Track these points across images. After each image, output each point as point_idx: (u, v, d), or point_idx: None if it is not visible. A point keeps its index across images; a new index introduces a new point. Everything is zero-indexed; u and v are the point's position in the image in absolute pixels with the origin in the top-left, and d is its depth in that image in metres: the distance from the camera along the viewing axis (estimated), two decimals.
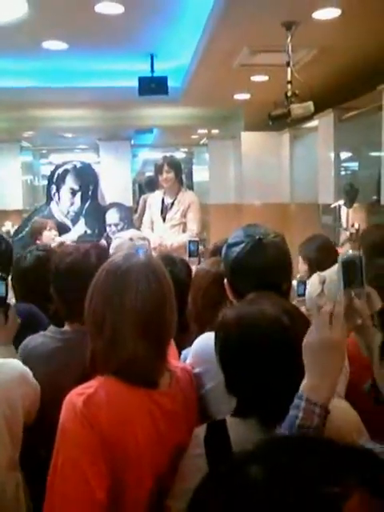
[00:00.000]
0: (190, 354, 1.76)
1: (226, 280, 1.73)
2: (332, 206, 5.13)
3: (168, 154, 5.41)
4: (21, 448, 1.61)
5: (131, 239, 2.84)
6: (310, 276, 2.96)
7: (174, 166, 5.07)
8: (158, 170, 5.07)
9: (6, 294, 1.89)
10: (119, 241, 2.86)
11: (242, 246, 1.63)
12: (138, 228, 5.59)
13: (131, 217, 6.56)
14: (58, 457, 1.24)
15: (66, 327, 1.88)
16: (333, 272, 2.52)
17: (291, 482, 0.63)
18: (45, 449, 1.65)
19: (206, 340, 1.73)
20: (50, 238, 4.74)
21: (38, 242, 4.61)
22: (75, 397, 1.29)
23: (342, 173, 5.24)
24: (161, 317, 1.38)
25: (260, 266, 1.59)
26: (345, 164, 5.34)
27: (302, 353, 1.17)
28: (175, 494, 1.29)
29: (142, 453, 1.29)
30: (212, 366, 1.60)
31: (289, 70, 3.72)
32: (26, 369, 1.65)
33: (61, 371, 1.72)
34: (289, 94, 3.64)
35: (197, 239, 3.25)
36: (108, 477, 1.24)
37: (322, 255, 3.05)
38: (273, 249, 1.63)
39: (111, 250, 2.76)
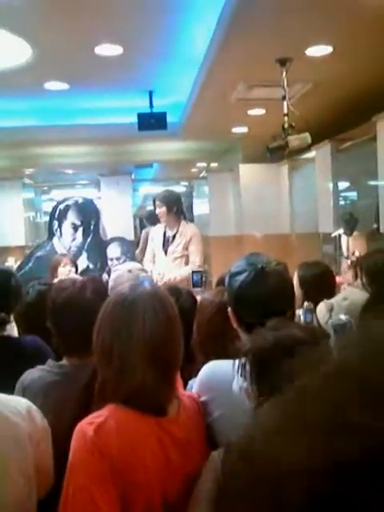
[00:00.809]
0: (196, 382, 1.77)
1: (229, 309, 1.75)
2: (332, 235, 5.17)
3: (166, 189, 5.51)
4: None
5: (130, 271, 2.86)
6: (303, 302, 2.97)
7: (165, 200, 5.13)
8: (153, 204, 5.25)
9: None
10: (118, 273, 2.88)
11: (245, 274, 1.66)
12: (140, 261, 5.62)
13: (133, 251, 6.61)
14: (69, 485, 1.25)
15: (64, 361, 1.89)
16: (340, 299, 2.55)
17: None
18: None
19: (212, 368, 1.74)
20: (65, 274, 4.66)
21: (55, 278, 4.59)
22: (86, 426, 1.30)
23: (341, 202, 5.30)
24: (168, 346, 1.40)
25: (263, 294, 1.61)
26: (343, 193, 5.42)
27: None
28: None
29: (152, 480, 1.30)
30: (219, 393, 1.62)
31: (285, 103, 3.82)
32: (34, 407, 1.64)
33: (58, 405, 1.72)
34: (286, 126, 3.73)
35: (201, 269, 3.27)
36: (118, 504, 1.24)
37: (318, 282, 3.05)
38: (275, 277, 1.65)
39: (110, 283, 2.78)
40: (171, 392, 1.44)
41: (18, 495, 1.44)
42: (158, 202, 5.11)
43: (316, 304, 2.76)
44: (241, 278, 1.67)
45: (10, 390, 1.72)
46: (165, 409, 1.40)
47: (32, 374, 1.85)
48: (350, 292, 2.62)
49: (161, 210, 5.09)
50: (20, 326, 2.56)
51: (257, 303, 1.61)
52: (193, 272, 3.14)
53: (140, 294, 1.42)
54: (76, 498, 1.23)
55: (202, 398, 1.67)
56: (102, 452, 1.25)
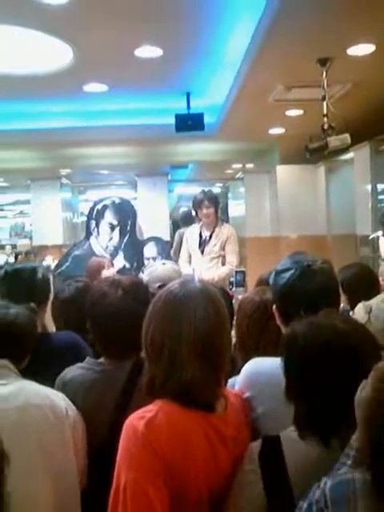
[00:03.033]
0: (239, 378, 1.78)
1: (274, 306, 1.76)
2: (370, 237, 5.11)
3: (206, 189, 5.47)
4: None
5: (164, 263, 2.88)
6: (349, 304, 2.95)
7: (214, 200, 5.14)
8: (198, 204, 5.11)
9: None
10: (152, 267, 2.89)
11: (292, 272, 1.66)
12: (175, 262, 5.65)
13: (168, 250, 6.65)
14: (120, 479, 1.26)
15: (103, 359, 1.90)
16: (379, 300, 2.53)
17: None
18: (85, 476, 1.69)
19: (255, 364, 1.75)
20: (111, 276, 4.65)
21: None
22: (136, 421, 1.31)
23: (380, 204, 5.24)
24: (218, 342, 1.41)
25: (310, 291, 1.61)
26: (382, 195, 5.35)
27: (366, 374, 1.16)
28: (229, 508, 1.30)
29: (200, 475, 1.31)
30: (262, 390, 1.62)
31: (324, 103, 3.79)
32: (71, 404, 1.67)
33: (98, 401, 1.75)
34: (325, 126, 3.71)
35: (243, 269, 3.27)
36: (169, 499, 1.26)
37: (359, 282, 3.02)
38: (321, 274, 1.65)
39: (144, 277, 2.79)
40: (219, 388, 1.44)
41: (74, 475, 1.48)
42: (207, 203, 5.06)
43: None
44: (287, 275, 1.67)
45: (43, 385, 1.74)
46: (213, 405, 1.41)
47: (72, 372, 1.86)
48: None
49: (209, 211, 5.06)
50: (57, 323, 2.60)
51: (303, 299, 1.61)
52: (236, 272, 3.14)
53: (190, 291, 1.43)
54: (129, 492, 1.24)
55: (246, 395, 1.68)
56: (154, 446, 1.27)
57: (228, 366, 1.50)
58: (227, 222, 7.72)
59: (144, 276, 2.77)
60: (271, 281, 1.77)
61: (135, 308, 1.79)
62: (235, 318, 2.16)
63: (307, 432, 1.31)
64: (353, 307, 2.78)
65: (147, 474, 1.25)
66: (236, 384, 1.80)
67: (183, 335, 1.36)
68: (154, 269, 2.80)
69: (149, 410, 1.33)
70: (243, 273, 3.14)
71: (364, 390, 1.10)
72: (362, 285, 2.99)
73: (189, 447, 1.31)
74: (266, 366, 1.68)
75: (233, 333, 2.70)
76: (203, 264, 5.10)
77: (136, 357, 1.78)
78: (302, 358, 1.33)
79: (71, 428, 1.63)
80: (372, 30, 3.27)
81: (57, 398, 1.66)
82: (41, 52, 3.98)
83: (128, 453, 1.29)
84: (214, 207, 5.09)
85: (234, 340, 2.97)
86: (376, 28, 3.25)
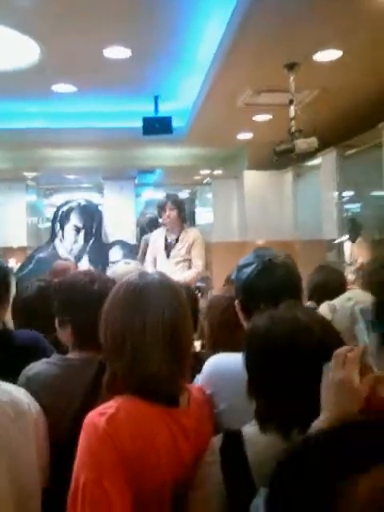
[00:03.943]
0: (201, 375, 1.76)
1: (236, 301, 1.75)
2: (336, 241, 5.18)
3: (171, 193, 5.48)
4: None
5: (127, 263, 2.87)
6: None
7: (178, 203, 5.13)
8: (162, 207, 5.11)
9: None
10: (115, 266, 2.88)
11: (253, 266, 1.66)
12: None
13: (134, 254, 6.61)
14: (79, 479, 1.22)
15: (70, 355, 1.86)
16: (344, 299, 2.55)
17: None
18: (48, 476, 1.63)
19: (216, 361, 1.73)
20: None
21: None
22: (96, 417, 1.27)
23: (346, 207, 5.32)
24: (183, 333, 1.38)
25: (271, 285, 1.61)
26: (348, 199, 5.43)
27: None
28: (190, 500, 1.28)
29: (163, 470, 1.28)
30: (223, 386, 1.61)
31: (292, 107, 3.83)
32: (39, 408, 1.60)
33: (63, 397, 1.69)
34: (293, 130, 3.74)
35: (207, 275, 3.25)
36: (130, 496, 1.22)
37: (329, 285, 3.05)
38: (283, 269, 1.65)
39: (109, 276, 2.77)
40: (183, 382, 1.42)
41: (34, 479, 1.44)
42: (170, 205, 5.05)
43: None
44: (249, 269, 1.67)
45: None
46: (177, 399, 1.38)
47: (37, 367, 1.81)
48: (354, 293, 2.61)
49: (172, 213, 5.05)
50: (17, 322, 2.55)
51: (265, 294, 1.60)
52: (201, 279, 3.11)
53: (151, 282, 1.40)
54: (87, 492, 1.20)
55: (208, 391, 1.67)
56: (115, 443, 1.23)
57: (191, 358, 1.48)
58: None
59: (107, 274, 2.75)
60: (234, 276, 1.77)
61: (103, 295, 1.76)
62: (206, 316, 2.16)
63: (268, 425, 1.29)
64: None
65: (107, 473, 1.21)
66: (199, 381, 1.78)
67: (148, 327, 1.32)
68: (117, 267, 2.78)
69: (109, 406, 1.29)
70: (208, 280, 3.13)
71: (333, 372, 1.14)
72: (332, 287, 3.01)
73: (152, 443, 1.28)
74: (227, 362, 1.67)
75: (200, 331, 2.70)
76: (169, 267, 5.07)
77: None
78: (263, 352, 1.32)
79: (33, 425, 1.58)
80: (338, 36, 3.32)
81: (18, 393, 1.60)
82: (7, 48, 3.91)
83: (88, 451, 1.24)
84: (178, 210, 5.08)
85: (199, 341, 2.98)
86: (342, 34, 3.30)
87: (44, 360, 1.85)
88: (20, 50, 3.93)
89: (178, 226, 5.13)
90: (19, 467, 1.48)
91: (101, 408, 1.30)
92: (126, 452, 1.23)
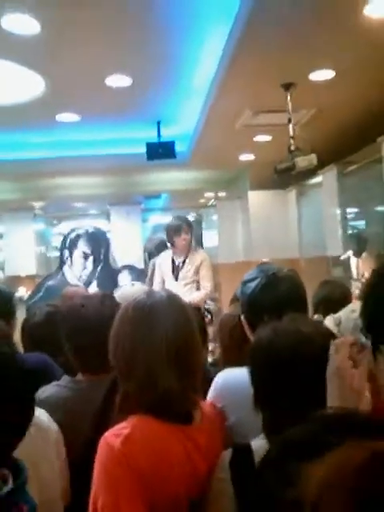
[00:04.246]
0: (210, 390, 1.79)
1: (242, 317, 1.78)
2: (341, 257, 5.20)
3: (179, 215, 5.49)
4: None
5: (133, 284, 2.91)
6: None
7: (192, 226, 5.18)
8: (175, 230, 5.07)
9: None
10: (122, 288, 2.93)
11: (257, 281, 1.69)
12: None
13: (143, 279, 6.65)
14: (98, 499, 1.23)
15: (79, 377, 1.89)
16: (348, 311, 2.57)
17: None
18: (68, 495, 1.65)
19: (224, 375, 1.76)
20: None
21: None
22: (112, 438, 1.27)
23: (350, 223, 5.35)
24: (191, 348, 1.40)
25: (276, 298, 1.64)
26: (351, 215, 5.47)
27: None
28: None
29: (179, 488, 1.29)
30: (232, 400, 1.63)
31: (290, 126, 3.90)
32: (59, 431, 1.64)
33: (75, 418, 1.72)
34: (292, 148, 3.80)
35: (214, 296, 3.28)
36: None
37: (334, 298, 3.08)
38: (287, 282, 1.69)
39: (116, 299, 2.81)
40: (195, 397, 1.43)
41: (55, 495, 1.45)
42: (186, 228, 5.06)
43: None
44: (253, 284, 1.70)
45: None
46: (191, 416, 1.39)
47: (48, 390, 1.85)
48: (358, 305, 2.62)
49: (187, 237, 5.06)
50: (26, 347, 2.59)
51: (269, 308, 1.62)
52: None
53: (158, 300, 1.42)
54: None
55: (218, 405, 1.69)
56: (130, 464, 1.23)
57: (201, 374, 1.49)
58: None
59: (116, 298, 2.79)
60: (239, 291, 1.80)
61: (109, 320, 1.80)
62: (217, 335, 2.21)
63: (275, 438, 1.30)
64: None
65: (124, 496, 1.22)
66: (208, 397, 1.81)
67: (157, 344, 1.33)
68: (124, 289, 2.83)
69: (124, 427, 1.29)
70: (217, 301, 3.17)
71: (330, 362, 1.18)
72: (337, 301, 3.04)
73: (167, 462, 1.28)
74: (235, 377, 1.69)
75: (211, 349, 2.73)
76: (177, 289, 5.10)
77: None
78: (267, 364, 1.34)
79: (54, 444, 1.60)
80: (331, 55, 3.39)
81: (38, 412, 1.64)
82: (12, 82, 4.03)
83: (104, 472, 1.25)
84: (191, 233, 5.12)
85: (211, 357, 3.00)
86: (335, 54, 3.37)
87: (55, 383, 1.89)
88: (25, 84, 4.04)
89: (188, 249, 5.15)
90: (43, 481, 1.50)
91: (115, 429, 1.30)
92: (142, 472, 1.23)
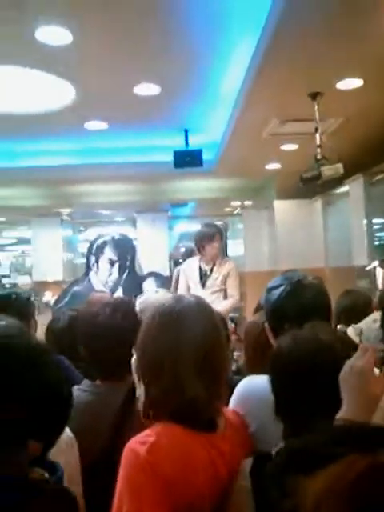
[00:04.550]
0: (232, 398, 1.79)
1: (266, 324, 1.77)
2: (367, 268, 5.15)
3: (211, 223, 5.48)
4: None
5: (157, 291, 2.92)
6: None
7: (223, 235, 5.18)
8: (209, 238, 5.00)
9: None
10: (145, 295, 2.94)
11: (282, 288, 1.68)
12: None
13: (168, 286, 6.67)
14: (122, 507, 1.22)
15: (98, 382, 1.90)
16: (370, 321, 2.55)
17: None
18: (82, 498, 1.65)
19: (246, 383, 1.76)
20: None
21: None
22: (138, 446, 1.25)
23: (376, 234, 5.30)
24: (218, 355, 1.39)
25: (300, 306, 1.63)
26: (378, 226, 5.42)
27: None
28: None
29: (204, 496, 1.27)
30: (254, 407, 1.63)
31: (317, 135, 3.89)
32: (72, 437, 1.64)
33: (92, 424, 1.73)
34: (318, 157, 3.79)
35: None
36: None
37: (355, 310, 3.05)
38: (312, 289, 1.68)
39: (138, 306, 2.82)
40: (220, 405, 1.42)
41: None
42: (218, 236, 5.05)
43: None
44: (278, 291, 1.69)
45: None
46: (216, 423, 1.38)
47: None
48: (379, 315, 2.60)
49: (218, 245, 5.06)
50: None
51: (294, 316, 1.61)
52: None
53: (187, 305, 1.40)
54: None
55: (240, 413, 1.69)
56: (156, 471, 1.22)
57: (226, 382, 1.47)
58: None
59: (137, 303, 2.80)
60: (263, 298, 1.79)
61: (124, 326, 1.82)
62: (243, 343, 2.20)
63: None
64: None
65: (148, 503, 1.21)
66: (230, 404, 1.81)
67: (184, 350, 1.32)
68: (148, 296, 2.84)
69: (149, 435, 1.28)
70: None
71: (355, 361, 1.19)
72: (359, 310, 3.02)
73: (192, 470, 1.27)
74: (257, 384, 1.69)
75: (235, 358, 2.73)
76: (204, 297, 5.07)
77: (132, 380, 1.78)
78: (287, 373, 1.34)
79: (68, 448, 1.61)
80: (359, 64, 3.38)
81: None
82: (44, 91, 4.11)
83: (129, 480, 1.23)
84: (222, 241, 5.12)
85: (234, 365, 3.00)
86: (363, 63, 3.36)
87: (75, 387, 1.88)
88: (55, 92, 4.12)
89: (217, 256, 5.14)
90: None
91: (140, 436, 1.29)
92: (167, 479, 1.22)
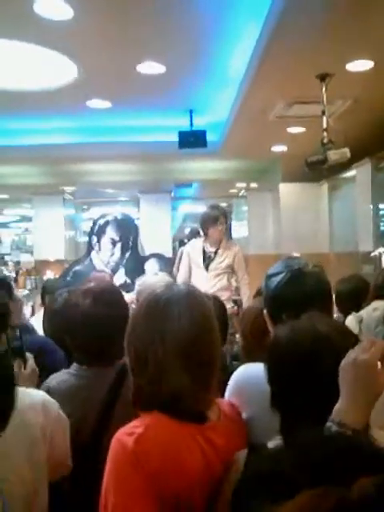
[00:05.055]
0: (229, 385, 1.76)
1: (265, 311, 1.74)
2: (372, 254, 5.09)
3: (216, 205, 5.44)
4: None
5: (156, 274, 2.90)
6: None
7: (227, 217, 5.15)
8: (213, 220, 4.97)
9: (22, 343, 1.86)
10: (144, 277, 2.92)
11: (282, 275, 1.64)
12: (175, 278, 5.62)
13: (171, 268, 6.64)
14: (108, 499, 1.21)
15: (86, 367, 1.90)
16: (370, 309, 2.51)
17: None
18: (68, 482, 1.66)
19: (243, 371, 1.73)
20: None
21: None
22: (125, 437, 1.24)
23: (383, 219, 5.24)
24: (205, 346, 1.35)
25: (300, 294, 1.58)
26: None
27: None
28: None
29: (194, 488, 1.25)
30: (248, 396, 1.59)
31: (324, 118, 3.81)
32: (49, 399, 1.61)
33: (83, 406, 1.74)
34: (325, 141, 3.72)
35: None
36: None
37: (352, 296, 3.01)
38: (312, 278, 1.63)
39: (137, 286, 2.81)
40: (209, 396, 1.37)
41: (23, 491, 1.42)
42: (222, 219, 5.01)
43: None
44: (277, 278, 1.65)
45: None
46: (205, 415, 1.35)
47: (58, 377, 1.88)
48: (380, 303, 2.56)
49: (222, 228, 5.02)
50: (46, 331, 2.62)
51: (293, 304, 1.57)
52: None
53: (175, 293, 1.37)
54: None
55: (233, 401, 1.66)
56: (143, 463, 1.20)
57: (219, 373, 1.42)
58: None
59: (136, 285, 2.78)
60: (263, 285, 1.76)
61: (105, 315, 1.80)
62: (239, 327, 2.19)
63: (248, 469, 1.25)
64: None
65: (135, 497, 1.20)
66: (226, 391, 1.78)
67: (168, 340, 1.29)
68: (147, 278, 2.83)
69: (137, 425, 1.26)
70: None
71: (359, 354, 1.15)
72: (354, 298, 2.98)
73: (182, 463, 1.24)
74: (253, 372, 1.66)
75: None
76: (207, 280, 5.06)
77: (122, 364, 1.74)
78: (283, 364, 1.30)
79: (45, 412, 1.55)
80: (370, 46, 3.30)
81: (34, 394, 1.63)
82: (45, 68, 4.04)
83: (116, 472, 1.22)
84: (226, 224, 5.09)
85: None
86: (374, 44, 3.27)
87: (65, 370, 1.92)
88: (57, 69, 4.04)
89: (221, 238, 5.11)
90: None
91: (129, 427, 1.28)
92: (154, 472, 1.20)
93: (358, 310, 2.67)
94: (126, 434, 1.24)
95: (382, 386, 1.15)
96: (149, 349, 1.30)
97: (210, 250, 5.14)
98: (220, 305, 2.49)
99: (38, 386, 1.83)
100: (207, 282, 4.99)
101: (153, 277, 2.87)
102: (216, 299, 2.51)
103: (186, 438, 1.28)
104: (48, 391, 1.77)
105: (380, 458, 0.71)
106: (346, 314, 2.83)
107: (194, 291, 1.43)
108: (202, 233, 5.21)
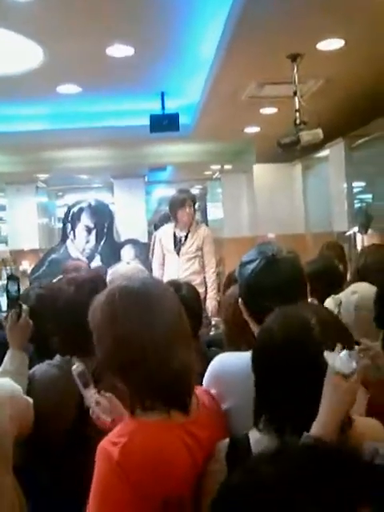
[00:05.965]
0: (206, 375, 1.74)
1: (240, 300, 1.72)
2: (347, 233, 5.12)
3: (184, 189, 5.43)
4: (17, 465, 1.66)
5: (128, 263, 2.89)
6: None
7: (195, 200, 5.14)
8: (180, 204, 5.00)
9: (19, 292, 1.93)
10: (115, 266, 2.90)
11: (256, 263, 1.61)
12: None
13: (146, 253, 6.60)
14: (94, 505, 1.22)
15: (68, 357, 1.91)
16: (349, 292, 2.51)
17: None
18: (48, 474, 1.73)
19: (221, 360, 1.71)
20: None
21: None
22: (110, 447, 1.23)
23: (357, 198, 5.27)
24: (184, 326, 1.38)
25: (275, 282, 1.56)
26: (357, 190, 5.38)
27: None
28: (201, 510, 1.26)
29: (183, 490, 1.25)
30: (228, 385, 1.58)
31: (296, 99, 3.79)
32: (16, 388, 1.71)
33: (64, 396, 1.77)
34: (297, 121, 3.70)
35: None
36: None
37: (320, 279, 3.00)
38: (286, 265, 1.61)
39: (108, 276, 2.78)
40: (194, 377, 1.40)
41: None
42: (190, 202, 5.00)
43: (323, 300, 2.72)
44: (251, 266, 1.62)
45: None
46: (188, 402, 1.34)
47: (40, 368, 1.92)
48: (359, 286, 2.56)
49: (190, 211, 5.01)
50: None
51: (268, 291, 1.56)
52: None
53: (146, 282, 1.38)
54: None
55: (212, 391, 1.64)
56: (128, 474, 1.20)
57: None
58: (206, 225, 7.71)
59: (108, 275, 2.75)
60: (237, 273, 1.74)
61: (83, 306, 1.79)
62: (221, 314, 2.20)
63: (270, 428, 1.25)
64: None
65: (120, 508, 1.20)
66: (204, 380, 1.76)
67: (158, 324, 1.30)
68: (118, 267, 2.80)
69: (122, 434, 1.25)
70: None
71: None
72: (323, 281, 2.97)
73: (169, 467, 1.24)
74: (231, 362, 1.65)
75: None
76: (179, 265, 5.06)
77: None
78: (274, 354, 1.27)
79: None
80: (340, 25, 3.27)
81: None
82: (11, 52, 3.91)
83: (101, 481, 1.22)
84: (194, 207, 5.08)
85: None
86: (344, 23, 3.24)
87: (48, 361, 1.96)
88: (24, 54, 3.93)
89: (191, 222, 5.10)
90: None
91: (114, 435, 1.27)
92: (141, 481, 1.21)
93: (329, 292, 2.66)
94: (111, 444, 1.24)
95: (353, 402, 1.17)
96: (143, 337, 1.29)
97: (181, 234, 5.13)
98: (193, 289, 2.47)
99: None
100: (179, 267, 4.99)
101: (124, 265, 2.85)
102: (188, 285, 2.50)
103: (172, 439, 1.27)
104: (30, 382, 1.87)
105: (360, 467, 0.71)
106: (316, 296, 2.81)
107: (156, 278, 1.56)
108: (171, 217, 5.20)
